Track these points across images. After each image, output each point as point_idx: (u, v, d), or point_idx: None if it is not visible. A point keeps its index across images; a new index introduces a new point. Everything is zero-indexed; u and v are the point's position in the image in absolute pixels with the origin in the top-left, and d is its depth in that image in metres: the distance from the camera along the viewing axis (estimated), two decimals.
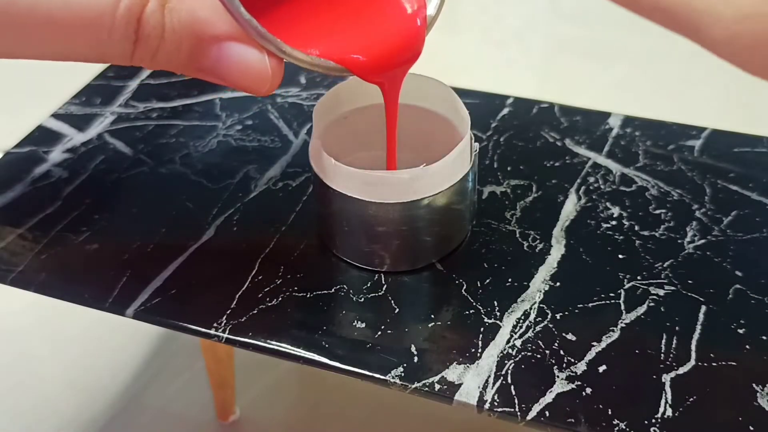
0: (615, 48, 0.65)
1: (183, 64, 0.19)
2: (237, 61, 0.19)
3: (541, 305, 0.22)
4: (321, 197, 0.23)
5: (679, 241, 0.24)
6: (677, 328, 0.21)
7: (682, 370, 0.20)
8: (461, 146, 0.22)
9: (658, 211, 0.25)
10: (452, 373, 0.20)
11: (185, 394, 0.40)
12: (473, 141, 0.23)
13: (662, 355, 0.21)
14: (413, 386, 0.20)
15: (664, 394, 0.20)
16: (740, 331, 0.21)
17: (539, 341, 0.21)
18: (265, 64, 0.19)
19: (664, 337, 0.21)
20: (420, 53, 0.20)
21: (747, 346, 0.21)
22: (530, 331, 0.21)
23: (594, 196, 0.26)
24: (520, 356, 0.21)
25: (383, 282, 0.23)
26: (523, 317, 0.22)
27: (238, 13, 0.18)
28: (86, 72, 0.33)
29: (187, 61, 0.19)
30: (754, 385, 0.20)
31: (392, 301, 0.22)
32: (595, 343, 0.21)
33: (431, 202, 0.22)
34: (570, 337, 0.21)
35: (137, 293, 0.23)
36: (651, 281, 0.23)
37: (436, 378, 0.20)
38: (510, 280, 0.23)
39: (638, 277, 0.23)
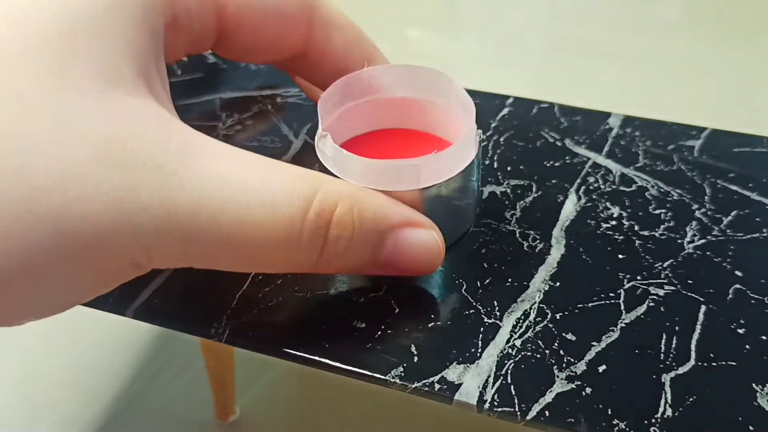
0: (615, 47, 0.65)
1: (363, 262, 0.20)
2: (411, 244, 0.20)
3: (541, 305, 0.22)
4: None
5: (679, 241, 0.24)
6: (677, 328, 0.21)
7: (682, 370, 0.20)
8: (469, 133, 0.22)
9: (658, 211, 0.25)
10: (452, 373, 0.20)
11: (185, 394, 0.40)
12: (477, 129, 0.23)
13: (662, 355, 0.21)
14: (413, 386, 0.20)
15: (664, 394, 0.20)
16: (740, 331, 0.21)
17: (539, 341, 0.21)
18: (435, 239, 0.20)
19: (664, 337, 0.21)
20: None
21: (747, 346, 0.21)
22: (530, 331, 0.21)
23: (594, 196, 0.26)
24: (520, 356, 0.21)
25: (383, 282, 0.23)
26: (523, 317, 0.22)
27: None
28: None
29: (369, 258, 0.19)
30: (754, 385, 0.20)
31: (392, 301, 0.22)
32: (595, 343, 0.21)
33: (442, 189, 0.22)
34: (570, 337, 0.21)
35: (137, 293, 0.23)
36: (651, 281, 0.23)
37: (436, 378, 0.20)
38: (510, 280, 0.23)
39: (638, 277, 0.23)
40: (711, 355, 0.21)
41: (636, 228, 0.24)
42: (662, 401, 0.19)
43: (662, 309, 0.22)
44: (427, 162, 0.21)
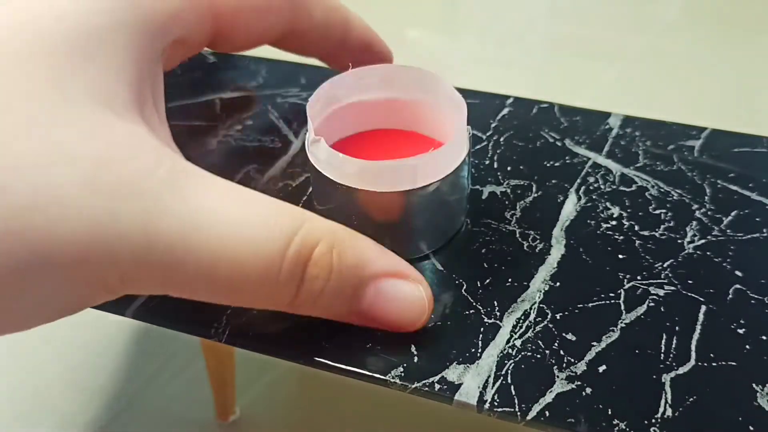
0: (615, 47, 0.65)
1: (341, 308, 0.19)
2: (394, 298, 0.19)
3: (541, 305, 0.22)
4: (321, 193, 0.23)
5: (679, 241, 0.24)
6: (677, 328, 0.21)
7: (682, 370, 0.20)
8: (462, 129, 0.22)
9: (658, 211, 0.25)
10: (452, 373, 0.20)
11: (185, 394, 0.40)
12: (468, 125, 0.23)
13: (662, 355, 0.21)
14: (413, 386, 0.20)
15: (664, 394, 0.20)
16: (740, 331, 0.21)
17: (539, 341, 0.21)
18: (421, 294, 0.19)
19: (664, 337, 0.21)
20: None
21: (747, 346, 0.21)
22: (530, 331, 0.21)
23: (594, 196, 0.26)
24: (520, 356, 0.21)
25: None
26: (523, 317, 0.22)
27: None
28: None
29: (347, 305, 0.19)
30: (754, 385, 0.20)
31: None
32: (595, 343, 0.21)
33: (435, 186, 0.22)
34: (570, 337, 0.21)
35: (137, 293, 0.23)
36: (651, 281, 0.23)
37: (436, 378, 0.20)
38: (510, 280, 0.23)
39: (638, 277, 0.23)
40: (711, 355, 0.21)
41: (636, 228, 0.24)
42: (662, 401, 0.19)
43: (662, 309, 0.22)
44: (424, 161, 0.21)
